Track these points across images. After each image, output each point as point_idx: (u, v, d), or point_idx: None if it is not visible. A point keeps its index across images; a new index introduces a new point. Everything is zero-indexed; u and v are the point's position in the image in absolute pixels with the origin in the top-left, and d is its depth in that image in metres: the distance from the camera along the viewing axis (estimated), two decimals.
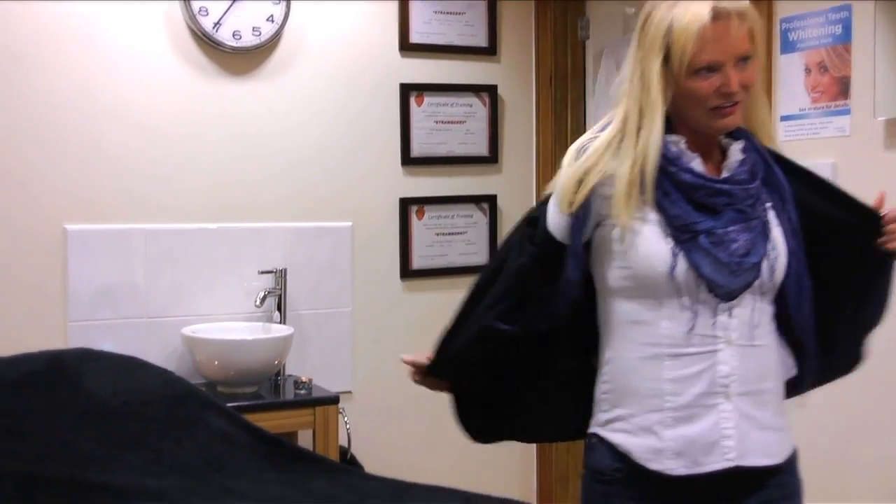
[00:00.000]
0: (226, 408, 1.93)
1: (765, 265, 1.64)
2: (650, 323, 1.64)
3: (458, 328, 1.86)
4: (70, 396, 1.78)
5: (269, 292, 3.26)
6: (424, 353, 1.92)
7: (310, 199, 3.44)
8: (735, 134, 1.70)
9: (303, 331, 3.36)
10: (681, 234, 1.61)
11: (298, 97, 3.41)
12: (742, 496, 1.67)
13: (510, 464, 3.82)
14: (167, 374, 2.01)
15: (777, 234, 1.67)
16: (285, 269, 3.31)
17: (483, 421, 1.91)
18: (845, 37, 2.67)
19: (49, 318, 3.07)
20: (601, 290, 1.72)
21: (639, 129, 1.62)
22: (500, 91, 3.75)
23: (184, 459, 1.73)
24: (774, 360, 1.70)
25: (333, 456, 3.04)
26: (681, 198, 1.62)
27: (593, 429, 1.73)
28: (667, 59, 1.60)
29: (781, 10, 2.85)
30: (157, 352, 3.11)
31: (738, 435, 1.63)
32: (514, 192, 3.81)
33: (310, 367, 3.35)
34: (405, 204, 3.59)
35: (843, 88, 2.69)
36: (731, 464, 1.63)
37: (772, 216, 1.68)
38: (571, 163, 1.70)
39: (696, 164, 1.65)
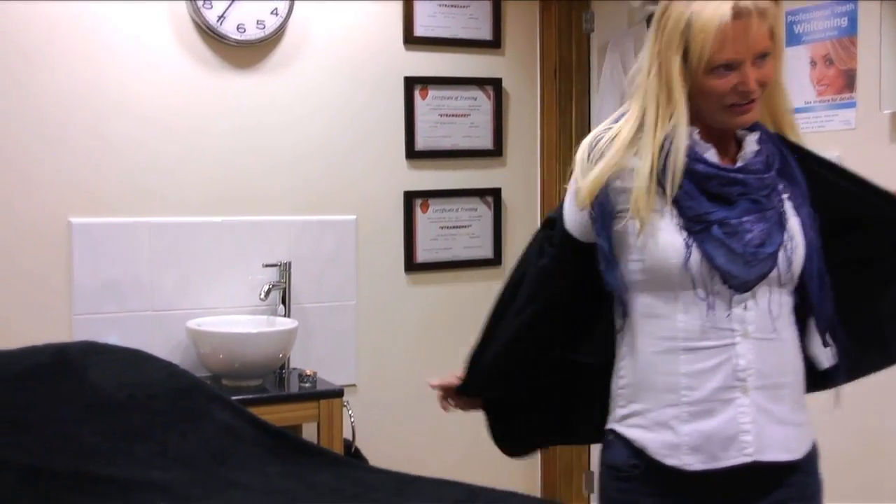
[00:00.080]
0: (231, 401, 1.93)
1: (781, 256, 1.61)
2: (666, 316, 1.63)
3: (487, 342, 1.86)
4: (75, 389, 1.78)
5: (273, 285, 3.26)
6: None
7: (314, 193, 3.44)
8: (751, 126, 1.67)
9: (307, 324, 3.36)
10: (694, 225, 1.59)
11: (303, 90, 3.41)
12: (760, 493, 1.65)
13: (514, 460, 3.81)
14: (172, 367, 2.02)
15: (794, 224, 1.64)
16: (290, 263, 3.31)
17: (518, 432, 1.90)
18: (851, 29, 2.67)
19: (54, 311, 3.07)
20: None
21: (656, 124, 1.60)
22: (504, 84, 3.75)
23: (189, 452, 1.74)
24: (793, 354, 1.67)
25: (338, 449, 3.04)
26: (694, 188, 1.60)
27: (610, 425, 1.72)
28: (685, 55, 1.58)
29: (787, 3, 2.84)
30: (162, 345, 3.11)
31: (755, 430, 1.60)
32: (518, 185, 3.81)
33: (314, 360, 3.35)
34: (409, 197, 3.59)
35: (848, 81, 2.68)
36: (749, 459, 1.60)
37: (789, 207, 1.65)
38: (585, 155, 1.69)
39: (710, 154, 1.63)
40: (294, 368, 3.27)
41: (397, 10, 3.55)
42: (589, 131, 3.82)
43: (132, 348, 2.09)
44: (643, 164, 1.60)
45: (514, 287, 1.83)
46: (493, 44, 3.72)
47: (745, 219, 1.59)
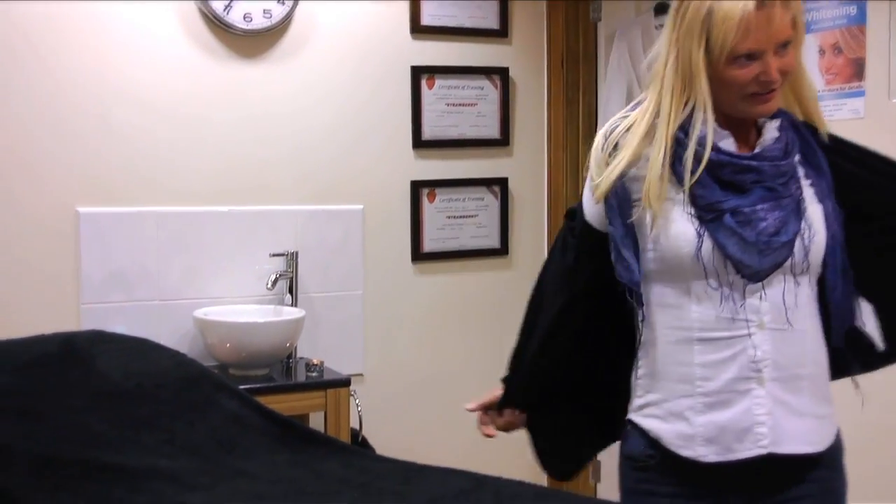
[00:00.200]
0: (238, 390, 1.93)
1: (798, 244, 1.58)
2: (680, 307, 1.62)
3: (524, 341, 1.85)
4: (83, 378, 1.78)
5: (280, 275, 3.27)
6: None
7: (321, 182, 3.44)
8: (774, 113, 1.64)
9: (314, 314, 3.36)
10: (706, 214, 1.57)
11: (309, 80, 3.41)
12: (778, 487, 1.62)
13: (521, 446, 3.82)
14: (179, 357, 2.02)
15: (815, 212, 1.61)
16: (297, 252, 3.32)
17: (562, 447, 1.88)
18: (860, 18, 2.65)
19: (62, 300, 3.08)
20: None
21: (670, 113, 1.58)
22: (511, 73, 3.74)
23: (196, 441, 1.74)
24: (814, 345, 1.63)
25: (345, 438, 3.05)
26: (706, 176, 1.57)
27: (629, 415, 1.71)
28: (705, 44, 1.55)
29: None
30: (169, 334, 3.12)
31: (771, 422, 1.58)
32: (525, 174, 3.80)
33: (321, 349, 3.36)
34: (416, 187, 3.59)
35: (857, 70, 2.67)
36: (765, 451, 1.58)
37: (811, 195, 1.63)
38: (600, 146, 1.67)
39: (728, 142, 1.61)
40: (301, 358, 3.28)
41: None
42: (596, 121, 3.85)
43: (139, 337, 2.09)
44: (655, 154, 1.59)
45: (543, 283, 1.81)
46: (500, 33, 3.71)
47: (758, 207, 1.57)
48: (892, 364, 1.77)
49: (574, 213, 1.76)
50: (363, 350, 3.52)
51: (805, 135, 1.66)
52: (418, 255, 3.61)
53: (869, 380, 1.76)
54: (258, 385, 2.98)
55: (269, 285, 3.22)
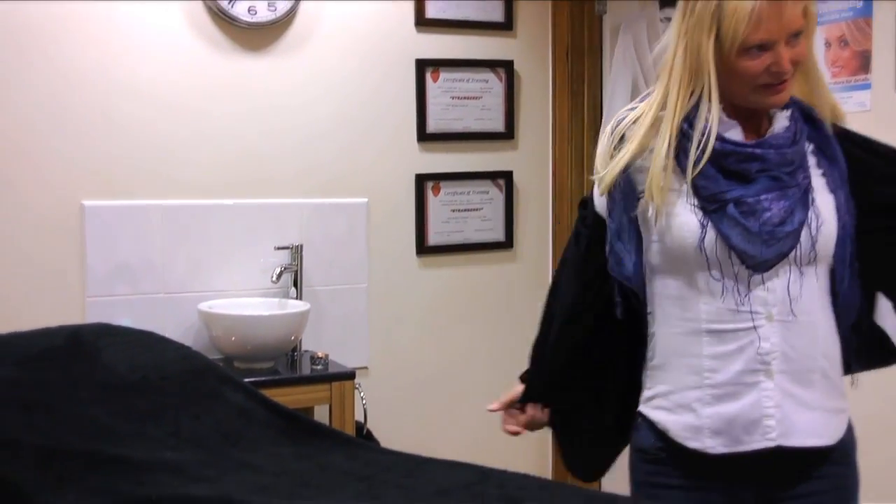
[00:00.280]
0: (243, 383, 1.93)
1: (804, 234, 1.56)
2: (688, 299, 1.61)
3: (544, 334, 1.84)
4: (89, 371, 1.79)
5: (285, 268, 3.27)
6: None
7: (325, 176, 3.44)
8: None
9: (319, 307, 3.36)
10: (709, 205, 1.56)
11: (314, 73, 3.41)
12: (788, 481, 1.62)
13: (526, 440, 3.82)
14: (185, 350, 2.02)
15: (825, 202, 1.60)
16: (301, 245, 3.32)
17: (586, 446, 1.85)
18: (866, 10, 2.64)
19: (67, 293, 3.09)
20: (646, 266, 1.68)
21: (677, 105, 1.57)
22: (516, 66, 3.73)
23: (202, 434, 1.74)
24: (826, 337, 1.62)
25: (349, 431, 3.05)
26: (710, 166, 1.56)
27: (640, 407, 1.71)
28: (715, 36, 1.53)
29: None
30: (175, 327, 3.13)
31: (780, 414, 1.57)
32: (530, 167, 3.80)
33: (326, 342, 3.36)
34: (421, 180, 3.59)
35: (863, 63, 2.66)
36: (773, 443, 1.58)
37: (823, 185, 1.61)
38: (607, 138, 1.67)
39: (735, 132, 1.59)
40: (306, 351, 3.28)
41: None
42: (601, 114, 3.85)
43: (145, 330, 2.09)
44: (660, 145, 1.58)
45: (559, 272, 1.82)
46: (505, 26, 3.70)
47: (763, 197, 1.55)
48: None
49: (587, 203, 1.76)
50: (368, 343, 3.52)
51: (820, 124, 1.65)
52: (423, 248, 3.61)
53: (883, 374, 1.74)
54: (263, 378, 2.98)
55: (274, 278, 3.22)
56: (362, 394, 3.24)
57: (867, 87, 2.65)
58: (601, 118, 3.73)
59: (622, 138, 1.65)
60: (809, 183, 1.60)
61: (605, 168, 1.66)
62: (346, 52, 3.45)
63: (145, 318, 3.05)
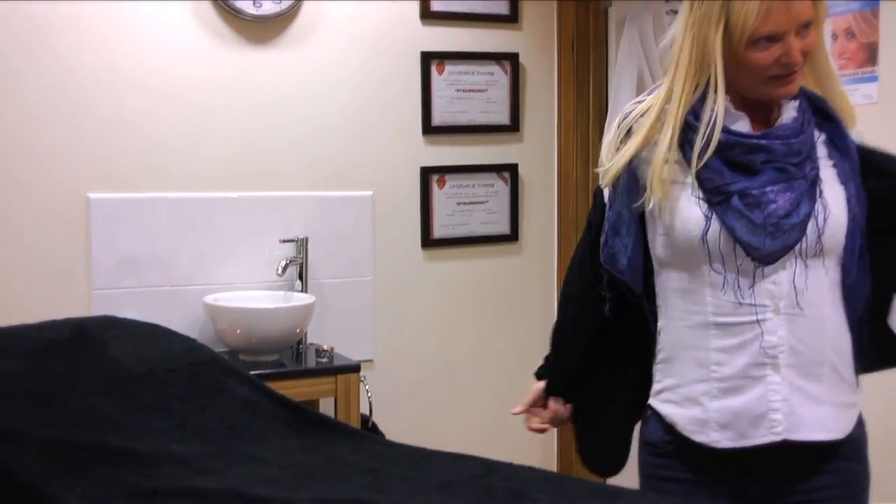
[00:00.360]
0: (248, 375, 1.94)
1: (811, 226, 1.55)
2: (695, 292, 1.61)
3: (560, 324, 1.84)
4: (95, 363, 1.79)
5: (290, 261, 3.27)
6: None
7: (331, 168, 3.44)
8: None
9: (324, 300, 3.37)
10: (713, 197, 1.55)
11: (319, 66, 3.40)
12: (796, 476, 1.61)
13: (531, 432, 3.82)
14: (190, 342, 2.02)
15: (835, 194, 1.58)
16: (307, 238, 3.32)
17: (605, 441, 1.84)
18: (873, 2, 2.63)
19: (73, 286, 3.09)
20: (654, 260, 1.68)
21: (681, 97, 1.56)
22: (521, 59, 3.72)
23: (207, 426, 1.75)
24: (836, 330, 1.60)
25: (355, 424, 3.05)
26: (715, 159, 1.55)
27: (650, 400, 1.71)
28: (724, 28, 1.52)
29: None
30: (180, 320, 3.13)
31: (787, 408, 1.56)
32: (535, 160, 3.79)
33: (331, 335, 3.36)
34: (426, 173, 3.58)
35: (870, 55, 2.65)
36: (779, 437, 1.57)
37: (832, 176, 1.59)
38: (614, 131, 1.67)
39: (742, 123, 1.58)
40: (311, 344, 3.29)
41: None
42: (606, 106, 3.84)
43: (151, 323, 2.10)
44: (662, 138, 1.58)
45: (573, 261, 1.82)
46: (511, 18, 3.69)
47: (768, 189, 1.54)
48: None
49: (599, 193, 1.76)
50: (373, 336, 3.52)
51: (831, 114, 1.63)
52: (428, 241, 3.61)
53: (891, 373, 1.73)
54: (269, 371, 2.99)
55: (280, 271, 3.23)
56: (367, 387, 3.24)
57: (874, 79, 2.64)
58: (606, 111, 3.72)
59: (629, 131, 1.65)
60: (817, 174, 1.58)
61: (611, 160, 1.65)
62: (352, 44, 3.45)
63: (151, 310, 3.05)
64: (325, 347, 3.15)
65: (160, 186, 3.20)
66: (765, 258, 1.55)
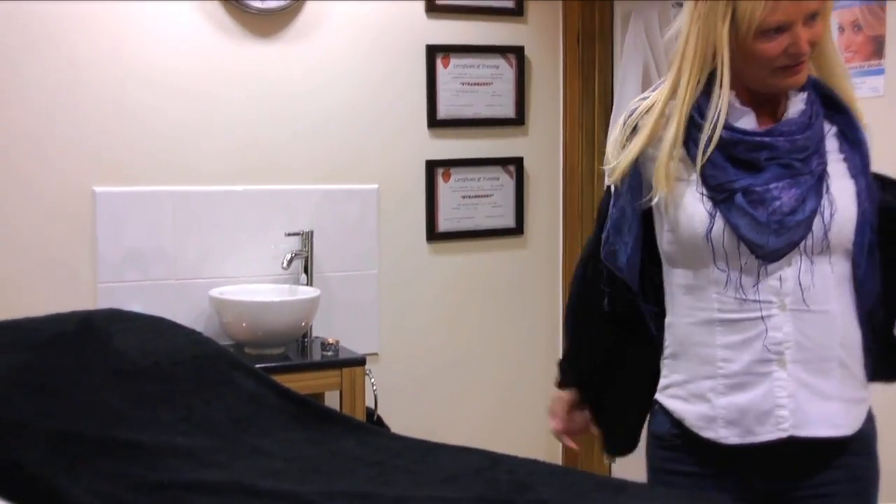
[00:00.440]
0: (254, 368, 1.94)
1: (817, 222, 1.53)
2: (701, 288, 1.60)
3: (572, 313, 1.84)
4: (100, 356, 1.79)
5: (295, 254, 3.27)
6: (556, 401, 1.86)
7: (336, 162, 3.44)
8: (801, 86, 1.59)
9: (329, 293, 3.37)
10: (717, 195, 1.54)
11: (324, 59, 3.40)
12: (804, 473, 1.60)
13: (536, 425, 3.83)
14: (196, 335, 2.02)
15: (844, 189, 1.56)
16: (312, 232, 3.32)
17: (620, 424, 1.84)
18: None
19: (78, 279, 3.10)
20: (661, 256, 1.68)
21: (686, 91, 1.55)
22: (526, 52, 3.72)
23: (213, 419, 1.75)
24: (845, 326, 1.58)
25: (360, 417, 3.06)
26: (718, 155, 1.54)
27: (657, 395, 1.71)
28: (730, 19, 1.51)
29: None
30: (185, 314, 3.13)
31: (793, 405, 1.55)
32: (540, 153, 3.79)
33: (336, 328, 3.36)
34: (431, 166, 3.58)
35: (877, 48, 2.64)
36: (785, 434, 1.56)
37: (842, 171, 1.58)
38: (619, 129, 1.66)
39: (749, 119, 1.57)
40: (316, 337, 3.29)
41: None
42: (612, 100, 3.83)
43: (155, 316, 2.10)
44: (667, 133, 1.57)
45: (583, 253, 1.83)
46: (516, 11, 3.69)
47: (772, 185, 1.53)
48: None
49: (609, 188, 1.76)
50: (378, 329, 3.52)
51: (843, 106, 1.62)
52: (433, 234, 3.61)
53: None
54: (274, 364, 2.99)
55: (285, 265, 3.23)
56: (373, 380, 3.24)
57: (881, 72, 2.63)
58: (612, 104, 3.71)
59: (635, 128, 1.64)
60: (824, 169, 1.57)
61: (617, 158, 1.65)
62: (357, 37, 3.45)
63: (156, 304, 3.06)
64: (331, 341, 3.16)
65: (166, 180, 3.20)
66: (769, 256, 1.54)
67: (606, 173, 1.69)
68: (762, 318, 1.56)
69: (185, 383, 1.82)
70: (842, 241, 1.57)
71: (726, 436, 1.60)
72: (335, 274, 3.43)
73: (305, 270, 3.31)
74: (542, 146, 3.79)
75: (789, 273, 1.55)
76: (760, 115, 1.59)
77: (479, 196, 3.68)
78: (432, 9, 3.55)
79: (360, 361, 3.13)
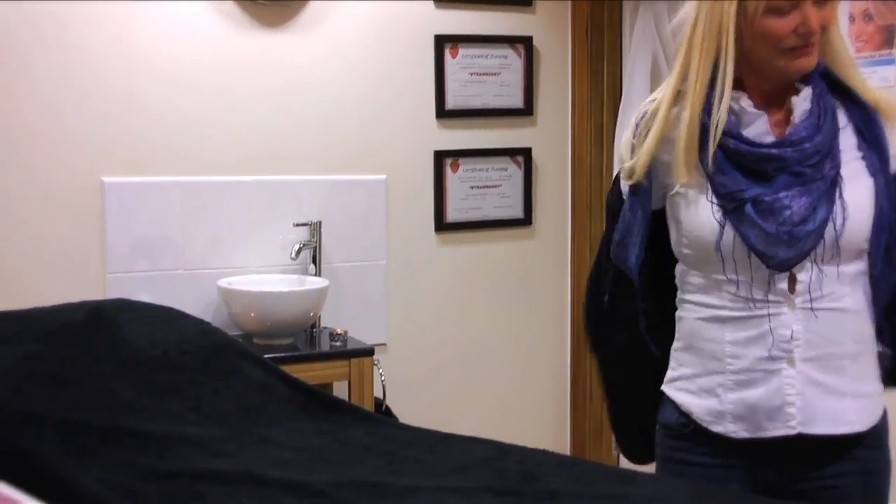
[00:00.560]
0: (263, 358, 1.94)
1: (828, 230, 1.51)
2: (710, 288, 1.60)
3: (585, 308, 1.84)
4: (110, 346, 1.79)
5: (304, 245, 3.27)
6: None
7: (344, 152, 3.44)
8: (808, 77, 1.57)
9: (338, 283, 3.37)
10: (727, 203, 1.53)
11: (333, 49, 3.40)
12: (814, 465, 1.59)
13: (544, 416, 3.83)
14: (204, 325, 2.02)
15: (860, 189, 1.54)
16: (320, 222, 3.32)
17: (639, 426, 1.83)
18: None
19: (88, 270, 3.10)
20: (675, 253, 1.68)
21: (698, 75, 1.54)
22: (535, 42, 3.71)
23: (222, 409, 1.75)
24: (859, 323, 1.58)
25: (368, 407, 3.06)
26: (727, 163, 1.53)
27: (663, 386, 1.71)
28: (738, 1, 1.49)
29: None
30: (194, 304, 3.14)
31: (802, 402, 1.55)
32: (549, 144, 3.78)
33: (345, 319, 3.37)
34: (440, 157, 3.58)
35: (887, 37, 2.63)
36: (794, 431, 1.56)
37: (860, 168, 1.55)
38: (631, 135, 1.66)
39: (760, 123, 1.55)
40: (325, 327, 3.29)
41: None
42: (620, 91, 3.82)
43: (165, 306, 2.10)
44: (685, 117, 1.55)
45: (601, 246, 1.83)
46: (525, 1, 3.68)
47: (782, 195, 1.51)
48: None
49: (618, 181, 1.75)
50: (386, 320, 3.52)
51: (859, 98, 1.58)
52: (441, 225, 3.61)
53: None
54: (283, 354, 3.00)
55: (293, 255, 3.23)
56: (381, 370, 3.25)
57: (891, 62, 2.62)
58: (620, 95, 3.70)
59: (648, 132, 1.63)
60: (837, 172, 1.54)
61: (631, 160, 1.64)
62: (365, 28, 3.44)
63: (165, 294, 3.06)
64: (339, 331, 3.16)
65: (174, 170, 3.20)
66: (779, 266, 1.53)
67: (623, 174, 1.68)
68: (769, 316, 1.55)
69: (193, 373, 1.82)
70: (854, 245, 1.55)
71: (735, 430, 1.60)
72: (343, 264, 3.43)
73: (314, 261, 3.31)
74: (551, 137, 3.78)
75: (800, 276, 1.54)
76: (772, 114, 1.58)
77: (487, 186, 3.67)
78: None
79: (369, 352, 3.13)
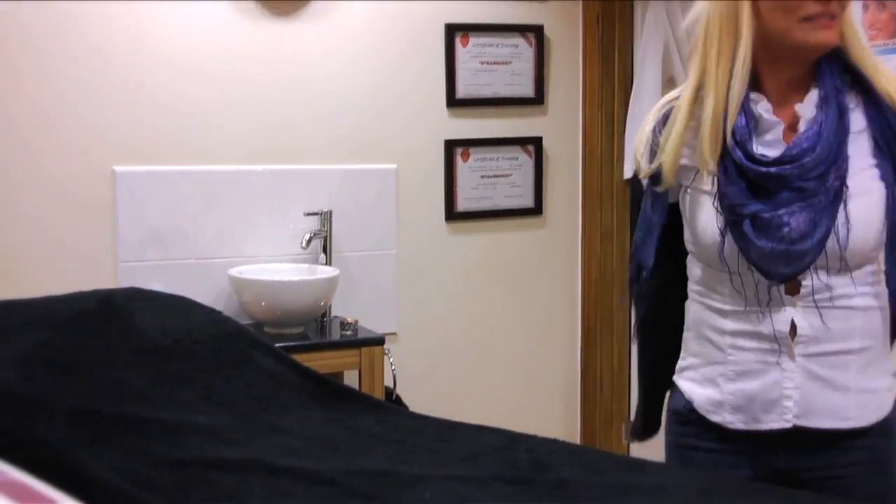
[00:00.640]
0: (273, 347, 1.94)
1: (830, 244, 1.49)
2: (714, 283, 1.62)
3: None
4: (121, 334, 1.80)
5: (314, 234, 3.28)
6: None
7: (355, 142, 3.44)
8: (820, 72, 1.54)
9: (348, 272, 3.37)
10: (728, 216, 1.53)
11: (343, 39, 3.39)
12: (817, 455, 1.59)
13: (554, 405, 3.83)
14: (215, 314, 2.03)
15: (866, 201, 1.50)
16: (331, 212, 3.32)
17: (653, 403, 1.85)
18: None
19: (99, 259, 3.12)
20: (686, 245, 1.69)
21: (718, 63, 1.52)
22: (546, 31, 3.70)
23: (233, 397, 1.75)
24: (869, 319, 1.56)
25: (379, 396, 3.07)
26: (735, 171, 1.52)
27: (674, 375, 1.74)
28: None
29: None
30: (205, 293, 3.15)
31: (799, 395, 1.55)
32: (559, 133, 3.77)
33: (355, 308, 3.37)
34: (450, 146, 3.57)
35: None
36: (789, 424, 1.56)
37: (873, 176, 1.52)
38: (653, 134, 1.66)
39: (777, 131, 1.53)
40: (336, 316, 3.30)
41: None
42: (631, 80, 3.80)
43: (176, 295, 2.11)
44: (708, 102, 1.53)
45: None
46: None
47: (781, 211, 1.49)
48: None
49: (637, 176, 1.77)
50: (397, 309, 3.53)
51: (879, 98, 1.54)
52: (452, 214, 3.61)
53: None
54: (293, 343, 3.00)
55: (304, 244, 3.24)
56: (391, 359, 3.25)
57: None
58: (631, 84, 3.69)
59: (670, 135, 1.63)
60: (842, 184, 1.50)
61: (648, 161, 1.65)
62: (376, 17, 3.43)
63: (176, 283, 3.07)
64: (350, 320, 3.16)
65: (185, 160, 3.21)
66: (780, 279, 1.52)
67: (645, 178, 1.69)
68: (770, 310, 1.55)
69: (205, 362, 1.83)
70: (861, 257, 1.53)
71: (732, 421, 1.61)
72: (354, 253, 3.43)
73: (324, 250, 3.31)
74: (562, 126, 3.77)
75: (804, 282, 1.54)
76: (783, 111, 1.55)
77: (497, 176, 3.67)
78: None
79: (379, 341, 3.13)
